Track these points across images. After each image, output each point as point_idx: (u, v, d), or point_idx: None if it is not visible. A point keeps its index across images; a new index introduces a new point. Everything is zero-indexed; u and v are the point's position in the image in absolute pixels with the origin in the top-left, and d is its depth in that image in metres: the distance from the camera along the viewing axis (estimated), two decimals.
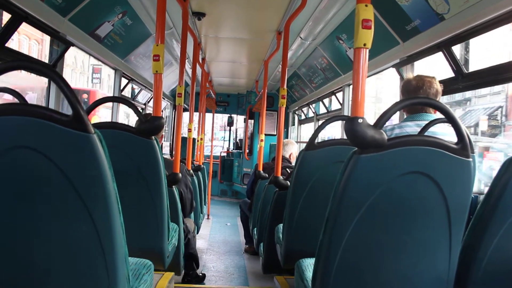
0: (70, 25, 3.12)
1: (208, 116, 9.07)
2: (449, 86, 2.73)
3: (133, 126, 2.21)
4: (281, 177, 3.29)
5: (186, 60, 4.26)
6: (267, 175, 4.32)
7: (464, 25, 2.45)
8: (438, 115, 2.17)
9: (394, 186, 1.34)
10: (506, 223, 1.42)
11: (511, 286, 1.50)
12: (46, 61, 3.32)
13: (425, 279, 1.46)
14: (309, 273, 1.98)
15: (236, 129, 11.65)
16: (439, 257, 1.44)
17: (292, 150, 4.79)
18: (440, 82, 2.33)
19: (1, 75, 1.24)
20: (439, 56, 2.84)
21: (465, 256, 1.49)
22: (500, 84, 3.03)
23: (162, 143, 4.76)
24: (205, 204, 5.85)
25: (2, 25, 2.57)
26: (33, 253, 1.31)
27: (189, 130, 4.92)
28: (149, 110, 6.53)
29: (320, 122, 6.62)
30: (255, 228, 3.99)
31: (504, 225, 1.42)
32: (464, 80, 2.69)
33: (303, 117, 8.20)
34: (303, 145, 4.57)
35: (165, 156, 2.62)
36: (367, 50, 1.40)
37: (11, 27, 2.55)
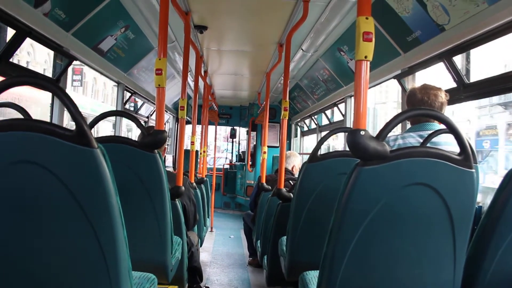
0: (74, 39, 3.15)
1: (211, 128, 9.07)
2: (451, 96, 2.73)
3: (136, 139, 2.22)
4: (284, 189, 3.28)
5: (189, 73, 4.28)
6: (270, 187, 4.31)
7: (465, 36, 2.47)
8: (442, 125, 2.16)
9: (397, 198, 1.33)
10: (511, 234, 1.41)
11: None
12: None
13: None
14: (313, 286, 1.96)
15: (239, 141, 11.66)
16: (444, 268, 1.43)
17: (295, 162, 4.78)
18: None
19: (6, 90, 1.25)
20: (441, 66, 2.85)
21: (470, 267, 1.48)
22: (502, 94, 3.03)
23: (165, 156, 4.77)
24: (208, 217, 5.83)
25: (6, 41, 2.60)
26: (35, 267, 1.30)
27: (192, 143, 4.92)
28: (152, 123, 6.55)
29: (323, 133, 6.63)
30: (259, 241, 3.97)
31: (508, 236, 1.41)
32: (466, 90, 2.70)
33: (305, 128, 8.21)
34: (306, 157, 4.58)
35: (168, 169, 2.63)
36: (368, 62, 1.41)
37: (15, 42, 2.58)
